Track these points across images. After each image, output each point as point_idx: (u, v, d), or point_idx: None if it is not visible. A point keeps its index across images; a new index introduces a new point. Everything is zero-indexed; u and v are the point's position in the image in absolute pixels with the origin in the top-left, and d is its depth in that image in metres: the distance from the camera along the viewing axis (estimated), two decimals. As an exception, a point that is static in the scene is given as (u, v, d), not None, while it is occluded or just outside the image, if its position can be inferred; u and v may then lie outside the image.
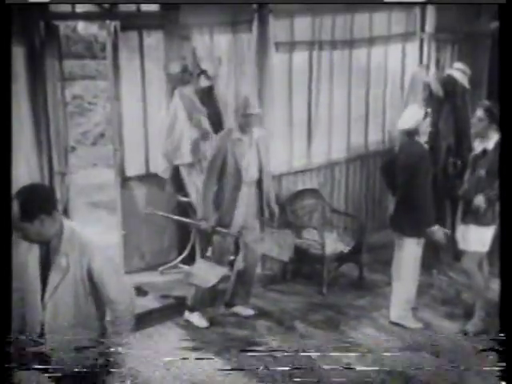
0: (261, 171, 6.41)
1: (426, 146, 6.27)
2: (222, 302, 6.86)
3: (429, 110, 6.39)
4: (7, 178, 3.87)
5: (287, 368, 5.71)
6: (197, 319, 6.59)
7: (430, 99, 8.10)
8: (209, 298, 6.71)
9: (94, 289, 3.87)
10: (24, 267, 3.85)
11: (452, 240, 6.58)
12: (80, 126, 12.12)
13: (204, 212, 6.38)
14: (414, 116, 6.23)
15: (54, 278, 3.80)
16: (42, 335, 3.87)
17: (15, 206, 3.64)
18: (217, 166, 6.29)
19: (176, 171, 7.35)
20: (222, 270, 6.44)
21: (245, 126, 6.30)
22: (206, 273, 6.39)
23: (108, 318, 4.00)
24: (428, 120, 6.27)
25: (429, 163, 6.25)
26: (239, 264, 6.70)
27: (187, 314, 6.62)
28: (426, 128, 6.24)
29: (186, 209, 7.42)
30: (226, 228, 6.40)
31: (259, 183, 6.44)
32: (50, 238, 3.78)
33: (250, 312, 6.78)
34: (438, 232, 6.20)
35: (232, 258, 7.63)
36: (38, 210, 3.68)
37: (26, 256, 3.85)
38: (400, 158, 6.37)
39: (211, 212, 6.35)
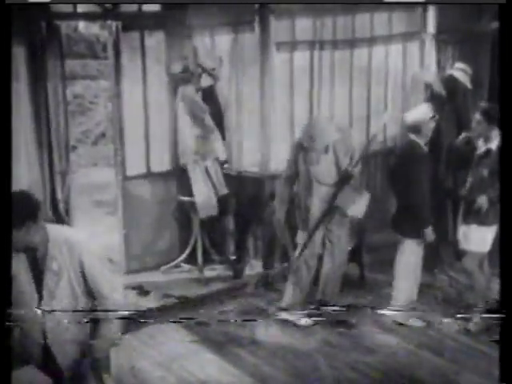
0: (339, 174, 6.33)
1: (426, 149, 6.27)
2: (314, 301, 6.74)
3: (437, 116, 6.40)
4: (7, 178, 3.87)
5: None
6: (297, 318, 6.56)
7: (432, 99, 8.10)
8: (305, 298, 6.65)
9: (86, 286, 3.87)
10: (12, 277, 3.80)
11: (453, 240, 6.58)
12: (81, 125, 12.08)
13: (278, 210, 6.57)
14: (421, 113, 6.26)
15: (48, 283, 3.79)
16: (45, 344, 3.89)
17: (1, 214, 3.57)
18: (290, 173, 6.45)
19: (179, 170, 7.37)
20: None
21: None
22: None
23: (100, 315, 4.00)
24: (433, 124, 6.27)
25: (427, 166, 6.25)
26: (327, 262, 6.59)
27: (284, 315, 6.59)
28: (428, 130, 6.24)
29: (187, 208, 7.43)
30: (305, 229, 6.44)
31: (339, 185, 6.34)
32: (35, 245, 3.75)
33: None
34: (430, 234, 6.21)
35: (234, 257, 7.69)
36: (25, 218, 3.63)
37: (14, 266, 3.77)
38: (399, 159, 6.40)
39: (284, 211, 6.53)
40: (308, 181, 6.36)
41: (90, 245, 3.93)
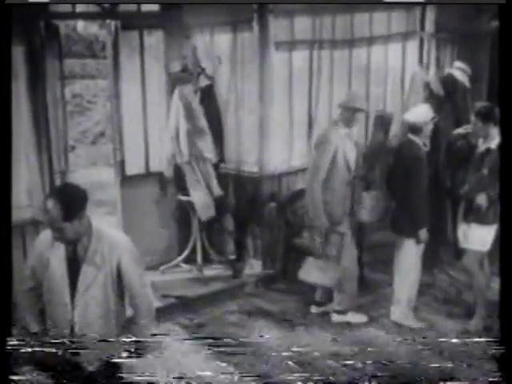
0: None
1: (424, 149, 6.27)
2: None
3: (438, 117, 6.44)
4: (7, 178, 3.87)
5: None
6: (355, 317, 6.56)
7: (431, 98, 8.10)
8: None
9: (119, 284, 3.93)
10: (45, 266, 3.87)
11: (453, 239, 6.58)
12: (80, 124, 12.10)
13: (315, 211, 6.23)
14: (423, 113, 6.28)
15: (87, 276, 3.84)
16: (72, 333, 3.90)
17: (54, 207, 3.66)
18: (325, 164, 6.18)
19: (176, 170, 7.35)
20: (338, 270, 6.37)
21: (350, 121, 6.26)
22: (323, 271, 6.36)
23: (128, 315, 4.07)
24: (432, 125, 6.29)
25: (425, 166, 6.24)
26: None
27: (339, 317, 6.57)
28: (428, 131, 6.26)
29: (186, 208, 7.43)
30: (338, 225, 6.31)
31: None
32: (80, 236, 3.81)
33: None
34: (424, 234, 6.21)
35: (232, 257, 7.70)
36: (77, 209, 3.73)
37: (48, 255, 3.86)
38: (398, 159, 6.40)
39: (322, 210, 6.20)
40: (349, 176, 6.28)
41: (129, 244, 4.01)
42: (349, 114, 6.24)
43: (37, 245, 4.00)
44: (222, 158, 7.60)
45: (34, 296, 4.00)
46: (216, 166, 7.44)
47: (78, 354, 3.85)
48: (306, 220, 6.54)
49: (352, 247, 6.50)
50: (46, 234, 3.92)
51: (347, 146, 6.25)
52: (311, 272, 6.43)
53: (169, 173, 7.32)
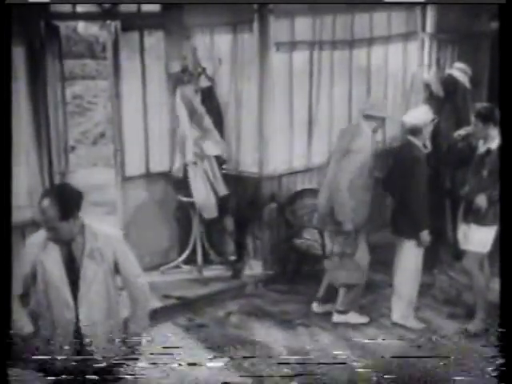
0: None
1: (424, 151, 6.27)
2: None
3: (437, 119, 6.45)
4: (7, 178, 3.87)
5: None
6: (356, 318, 6.55)
7: (431, 99, 8.10)
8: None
9: (116, 276, 3.99)
10: (39, 270, 3.86)
11: (453, 240, 6.57)
12: (80, 125, 12.13)
13: (345, 214, 6.21)
14: (423, 115, 6.28)
15: (87, 274, 3.85)
16: (77, 333, 3.90)
17: (50, 207, 3.67)
18: (354, 168, 6.16)
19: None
20: (361, 267, 6.42)
21: (376, 128, 6.31)
22: (347, 271, 6.39)
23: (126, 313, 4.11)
24: (431, 126, 6.29)
25: (425, 168, 6.24)
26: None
27: (340, 317, 6.55)
28: (427, 133, 6.26)
29: (186, 208, 7.43)
30: (361, 228, 6.35)
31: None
32: (74, 235, 3.83)
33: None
34: (425, 237, 6.20)
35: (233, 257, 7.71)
36: (73, 209, 3.76)
37: (42, 258, 3.85)
38: (397, 160, 6.40)
39: (349, 214, 6.19)
40: (371, 181, 6.32)
41: (121, 237, 4.11)
42: (374, 121, 6.24)
43: (27, 249, 3.97)
44: (227, 158, 7.60)
45: (26, 300, 4.00)
46: (220, 166, 7.44)
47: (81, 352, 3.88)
48: (328, 223, 6.50)
49: (364, 245, 6.50)
50: (36, 237, 3.92)
51: (371, 151, 6.27)
52: (336, 274, 6.46)
53: (179, 174, 7.30)
